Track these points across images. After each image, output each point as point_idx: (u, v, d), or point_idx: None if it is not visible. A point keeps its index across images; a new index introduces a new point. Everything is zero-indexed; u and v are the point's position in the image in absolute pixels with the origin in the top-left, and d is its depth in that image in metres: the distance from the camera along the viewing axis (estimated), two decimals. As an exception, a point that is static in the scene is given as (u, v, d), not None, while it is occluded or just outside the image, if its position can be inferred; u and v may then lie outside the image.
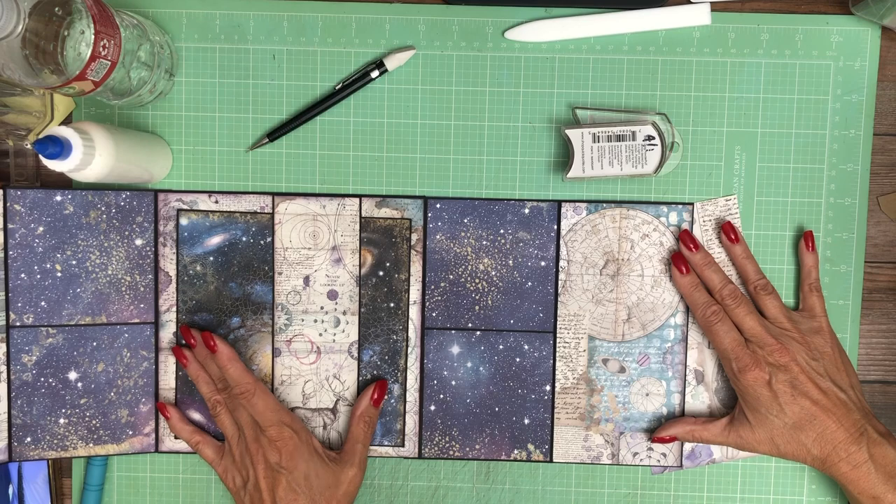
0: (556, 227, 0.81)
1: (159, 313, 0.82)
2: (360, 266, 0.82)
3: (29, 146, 0.80)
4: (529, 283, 0.81)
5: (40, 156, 0.66)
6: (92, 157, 0.69)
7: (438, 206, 0.81)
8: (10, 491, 0.82)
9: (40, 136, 0.66)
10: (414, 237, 0.81)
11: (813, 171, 0.81)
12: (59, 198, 0.78)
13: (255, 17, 0.80)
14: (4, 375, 0.79)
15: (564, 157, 0.81)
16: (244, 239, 0.81)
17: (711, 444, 0.82)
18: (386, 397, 0.83)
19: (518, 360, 0.82)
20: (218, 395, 0.79)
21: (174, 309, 0.82)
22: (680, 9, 0.79)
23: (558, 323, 0.82)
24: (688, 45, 0.80)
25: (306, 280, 0.82)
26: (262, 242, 0.81)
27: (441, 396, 0.82)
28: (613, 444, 0.82)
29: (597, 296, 0.82)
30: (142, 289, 0.81)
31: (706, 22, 0.80)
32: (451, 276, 0.82)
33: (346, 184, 0.82)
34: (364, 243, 0.81)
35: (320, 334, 0.82)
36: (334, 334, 0.82)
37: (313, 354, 0.82)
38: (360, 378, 0.82)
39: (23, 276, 0.78)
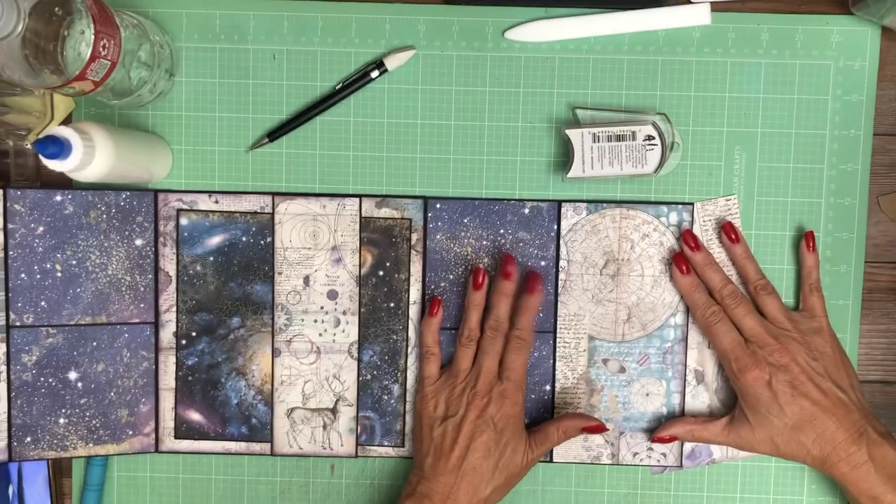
0: (556, 227, 0.81)
1: (159, 313, 0.82)
2: (360, 266, 0.82)
3: (29, 146, 0.80)
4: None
5: (40, 156, 0.66)
6: (92, 157, 0.69)
7: (438, 206, 0.81)
8: (10, 491, 0.82)
9: (40, 136, 0.66)
10: (414, 237, 0.81)
11: (813, 171, 0.81)
12: (59, 198, 0.78)
13: (255, 17, 0.80)
14: (4, 375, 0.79)
15: (564, 157, 0.81)
16: (244, 239, 0.81)
17: (711, 444, 0.82)
18: (385, 398, 0.83)
19: (518, 360, 0.82)
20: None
21: (174, 309, 0.82)
22: (680, 9, 0.79)
23: (558, 323, 0.82)
24: (688, 45, 0.80)
25: (306, 280, 0.82)
26: (262, 242, 0.81)
27: (441, 396, 0.82)
28: (613, 444, 0.82)
29: (597, 296, 0.82)
30: (142, 289, 0.81)
31: (706, 22, 0.80)
32: (452, 276, 0.82)
33: (346, 184, 0.82)
34: (364, 243, 0.81)
35: (320, 334, 0.82)
36: (334, 334, 0.82)
37: (313, 354, 0.82)
38: (360, 378, 0.82)
39: (23, 276, 0.78)
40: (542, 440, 0.79)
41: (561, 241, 0.81)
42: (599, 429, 0.80)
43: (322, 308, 0.82)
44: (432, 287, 0.81)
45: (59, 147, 0.66)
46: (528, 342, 0.78)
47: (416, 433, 0.79)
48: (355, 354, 0.82)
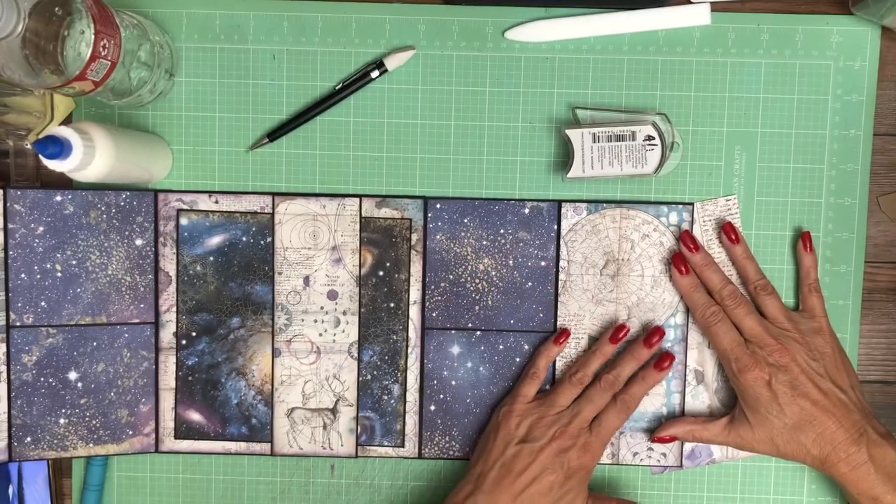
0: (556, 227, 0.81)
1: (159, 313, 0.82)
2: (360, 266, 0.82)
3: (29, 146, 0.80)
4: (529, 283, 0.81)
5: (40, 156, 0.66)
6: (92, 157, 0.69)
7: (438, 206, 0.81)
8: (10, 491, 0.82)
9: (40, 136, 0.66)
10: (414, 237, 0.81)
11: (813, 171, 0.81)
12: (59, 198, 0.78)
13: (255, 17, 0.80)
14: (4, 375, 0.79)
15: (564, 157, 0.81)
16: (244, 239, 0.81)
17: (711, 444, 0.82)
18: (385, 398, 0.83)
19: (518, 360, 0.82)
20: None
21: (174, 309, 0.82)
22: (680, 9, 0.79)
23: (558, 323, 0.82)
24: (688, 45, 0.80)
25: (306, 280, 0.82)
26: (262, 242, 0.81)
27: (441, 396, 0.82)
28: (613, 443, 0.82)
29: (597, 296, 0.82)
30: (142, 289, 0.81)
31: (706, 22, 0.80)
32: (452, 276, 0.82)
33: (346, 184, 0.82)
34: (364, 243, 0.81)
35: (320, 334, 0.82)
36: (334, 334, 0.82)
37: (313, 354, 0.82)
38: (360, 378, 0.82)
39: (23, 276, 0.78)
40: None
41: (561, 242, 0.81)
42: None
43: (322, 308, 0.82)
44: (432, 287, 0.81)
45: (59, 147, 0.66)
46: (633, 410, 0.79)
47: (487, 442, 0.79)
48: (355, 354, 0.82)
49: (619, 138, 0.75)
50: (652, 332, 0.79)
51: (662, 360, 0.79)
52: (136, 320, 0.81)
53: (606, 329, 0.81)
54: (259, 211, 0.81)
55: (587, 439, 0.77)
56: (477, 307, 0.82)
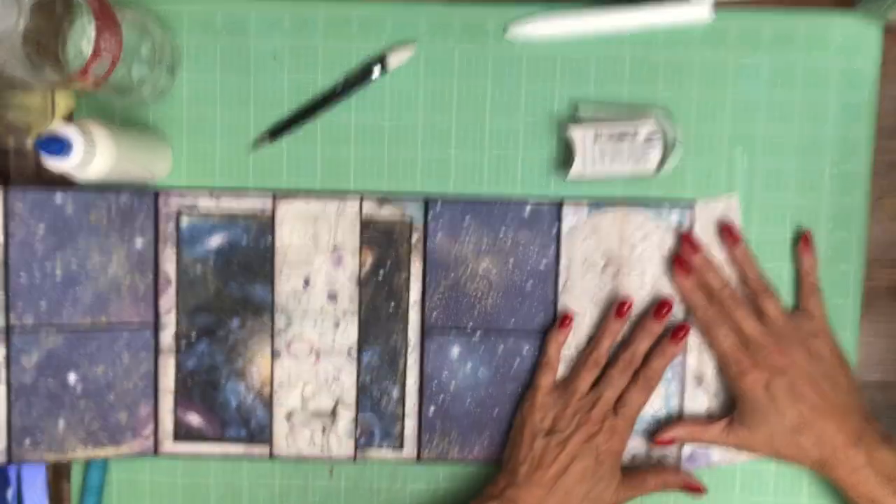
0: (556, 227, 0.81)
1: (159, 315, 0.81)
2: (361, 267, 0.81)
3: (29, 145, 0.80)
4: (530, 284, 0.81)
5: (41, 154, 0.66)
6: (93, 156, 0.68)
7: (439, 206, 0.81)
8: (10, 494, 0.82)
9: (41, 135, 0.66)
10: (414, 237, 0.81)
11: (813, 170, 0.81)
12: (59, 198, 0.78)
13: (256, 15, 0.80)
14: (4, 377, 0.79)
15: (566, 155, 0.81)
16: (244, 240, 0.81)
17: (711, 446, 0.82)
18: (385, 400, 0.82)
19: (518, 361, 0.82)
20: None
21: (174, 310, 0.81)
22: (682, 6, 0.79)
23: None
24: (689, 43, 0.80)
25: (306, 281, 0.81)
26: (262, 243, 0.81)
27: (441, 398, 0.82)
28: (615, 444, 0.82)
29: (597, 296, 0.81)
30: (142, 290, 0.81)
31: (708, 20, 0.80)
32: (452, 277, 0.82)
33: (347, 182, 0.82)
34: (364, 243, 0.81)
35: (320, 336, 0.82)
36: (334, 336, 0.82)
37: (313, 356, 0.82)
38: (360, 380, 0.82)
39: (23, 276, 0.78)
40: (636, 485, 0.78)
41: (561, 242, 0.81)
42: (699, 490, 0.80)
43: (322, 309, 0.82)
44: (433, 287, 0.81)
45: (60, 145, 0.66)
46: (656, 386, 0.78)
47: (515, 438, 0.79)
48: (355, 356, 0.82)
49: (621, 136, 0.75)
50: (660, 305, 0.79)
51: (677, 331, 0.79)
52: (136, 322, 0.81)
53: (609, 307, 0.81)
54: (259, 212, 0.81)
55: (613, 422, 0.77)
56: (477, 308, 0.82)
